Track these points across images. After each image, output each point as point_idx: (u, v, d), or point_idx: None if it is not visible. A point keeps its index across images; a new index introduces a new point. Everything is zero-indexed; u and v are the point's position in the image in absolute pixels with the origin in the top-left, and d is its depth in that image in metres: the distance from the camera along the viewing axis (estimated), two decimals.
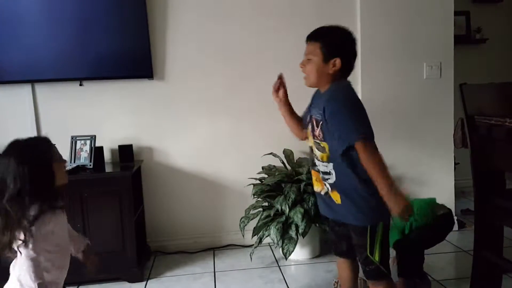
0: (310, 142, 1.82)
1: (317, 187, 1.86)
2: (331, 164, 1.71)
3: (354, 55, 1.74)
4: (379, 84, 3.21)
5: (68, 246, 1.67)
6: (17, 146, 1.51)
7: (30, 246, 1.45)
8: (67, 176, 1.63)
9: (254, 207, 2.93)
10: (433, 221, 2.26)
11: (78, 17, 2.90)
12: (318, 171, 1.80)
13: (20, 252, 1.46)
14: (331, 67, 1.68)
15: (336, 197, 1.74)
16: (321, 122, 1.69)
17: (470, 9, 4.24)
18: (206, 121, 3.16)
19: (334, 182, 1.71)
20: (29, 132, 2.93)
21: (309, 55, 1.73)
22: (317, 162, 1.79)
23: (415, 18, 3.19)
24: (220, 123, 3.16)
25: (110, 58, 2.95)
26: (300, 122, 1.93)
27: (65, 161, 1.64)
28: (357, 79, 3.21)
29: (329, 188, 1.76)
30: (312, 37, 1.73)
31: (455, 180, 3.36)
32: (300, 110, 1.95)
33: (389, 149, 3.24)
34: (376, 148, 1.62)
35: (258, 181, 3.02)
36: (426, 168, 3.30)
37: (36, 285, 1.44)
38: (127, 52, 2.97)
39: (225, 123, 3.17)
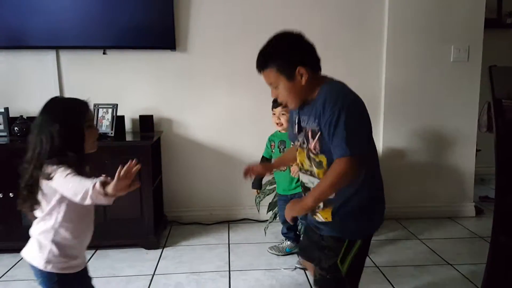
0: (301, 158, 1.62)
1: None
2: None
3: (308, 51, 1.53)
4: (404, 65, 3.15)
5: (91, 211, 1.62)
6: (55, 104, 1.53)
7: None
8: (96, 145, 1.59)
9: (270, 183, 2.93)
10: None
11: None
12: (307, 188, 1.61)
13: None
14: (300, 79, 1.48)
15: (326, 214, 1.55)
16: (318, 133, 1.48)
17: None
18: (226, 95, 3.16)
19: (332, 198, 1.51)
20: None
21: (272, 84, 1.54)
22: (309, 179, 1.60)
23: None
24: (240, 97, 3.15)
25: (134, 28, 2.96)
26: (284, 159, 1.95)
27: (97, 129, 1.59)
28: (381, 60, 3.16)
29: (321, 206, 1.55)
30: (261, 66, 1.53)
31: (475, 166, 3.31)
32: None
33: (411, 131, 3.22)
34: (355, 168, 1.42)
35: None
36: (447, 152, 3.26)
37: (91, 186, 1.35)
38: (151, 23, 2.97)
39: (245, 98, 3.16)
